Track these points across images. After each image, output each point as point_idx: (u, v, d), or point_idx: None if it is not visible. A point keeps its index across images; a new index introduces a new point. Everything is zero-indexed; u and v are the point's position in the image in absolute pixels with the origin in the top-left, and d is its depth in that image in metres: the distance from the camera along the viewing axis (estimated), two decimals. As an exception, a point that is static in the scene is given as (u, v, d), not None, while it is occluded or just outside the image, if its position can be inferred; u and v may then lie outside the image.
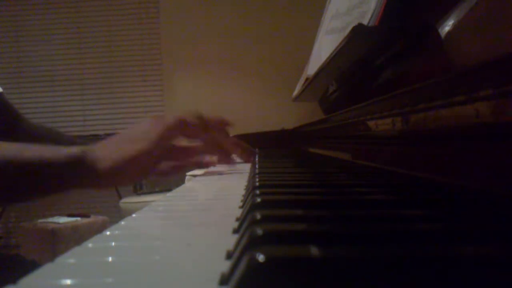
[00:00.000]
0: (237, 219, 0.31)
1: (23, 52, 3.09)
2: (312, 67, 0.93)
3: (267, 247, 0.17)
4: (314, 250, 0.17)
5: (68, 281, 0.18)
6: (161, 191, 2.53)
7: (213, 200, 0.46)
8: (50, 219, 2.35)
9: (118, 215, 2.49)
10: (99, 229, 2.08)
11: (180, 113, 0.63)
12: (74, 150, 0.55)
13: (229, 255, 0.22)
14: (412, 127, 0.40)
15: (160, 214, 0.38)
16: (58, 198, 2.94)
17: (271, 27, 2.98)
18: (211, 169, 0.80)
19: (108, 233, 0.28)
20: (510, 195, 0.26)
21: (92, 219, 2.38)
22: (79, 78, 3.09)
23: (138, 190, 2.84)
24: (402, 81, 0.50)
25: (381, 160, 0.54)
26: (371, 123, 0.53)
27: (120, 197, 2.67)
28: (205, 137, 0.66)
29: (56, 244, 2.16)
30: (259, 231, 0.20)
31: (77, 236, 2.21)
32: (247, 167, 0.82)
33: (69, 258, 0.22)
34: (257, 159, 0.85)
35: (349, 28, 0.51)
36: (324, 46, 0.84)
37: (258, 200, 0.30)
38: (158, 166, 0.63)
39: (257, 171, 0.56)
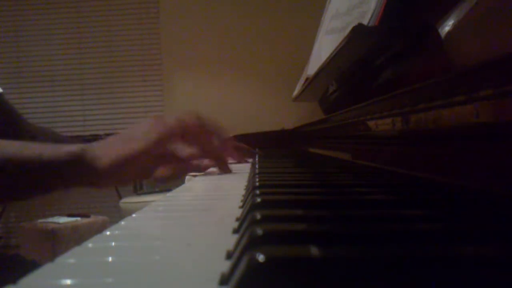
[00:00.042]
0: (237, 219, 0.31)
1: (23, 52, 3.09)
2: (312, 67, 0.93)
3: (267, 247, 0.17)
4: (314, 250, 0.17)
5: (68, 281, 0.18)
6: (161, 191, 2.53)
7: (213, 200, 0.46)
8: (50, 219, 2.35)
9: (118, 215, 2.49)
10: (99, 229, 2.08)
11: (180, 114, 0.62)
12: (73, 148, 0.55)
13: (229, 255, 0.22)
14: (412, 127, 0.40)
15: (160, 214, 0.38)
16: (58, 198, 2.94)
17: (271, 27, 2.99)
18: (211, 169, 0.80)
19: (108, 233, 0.28)
20: (510, 195, 0.26)
21: (92, 219, 2.38)
22: (79, 78, 3.09)
23: (138, 190, 2.84)
24: (402, 81, 0.50)
25: (381, 160, 0.54)
26: (371, 123, 0.53)
27: (120, 197, 2.67)
28: (204, 142, 0.66)
29: (56, 244, 2.16)
30: (259, 231, 0.20)
31: (77, 236, 2.21)
32: (247, 167, 0.82)
33: (69, 258, 0.22)
34: (257, 159, 0.85)
35: (349, 28, 0.51)
36: (324, 46, 0.84)
37: (258, 200, 0.30)
38: (157, 169, 0.63)
39: (257, 171, 0.56)
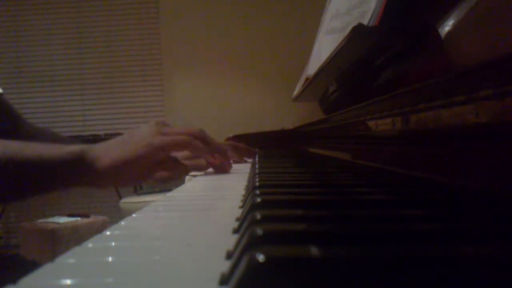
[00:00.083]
0: (237, 219, 0.31)
1: (23, 52, 3.09)
2: (312, 67, 0.93)
3: (267, 247, 0.17)
4: (314, 250, 0.16)
5: (68, 281, 0.18)
6: (161, 191, 2.53)
7: (213, 200, 0.46)
8: (50, 219, 2.35)
9: (118, 215, 2.49)
10: (99, 229, 2.08)
11: (183, 126, 0.63)
12: (74, 148, 0.56)
13: (229, 255, 0.22)
14: (412, 127, 0.40)
15: (160, 214, 0.38)
16: (58, 198, 2.94)
17: (271, 27, 2.99)
18: (211, 169, 0.80)
19: (108, 233, 0.28)
20: (510, 195, 0.26)
21: (92, 219, 2.38)
22: (79, 78, 3.09)
23: (138, 190, 2.84)
24: (402, 81, 0.50)
25: (381, 160, 0.54)
26: (371, 123, 0.53)
27: (120, 197, 2.67)
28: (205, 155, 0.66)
29: (56, 244, 2.16)
30: (259, 231, 0.20)
31: (77, 236, 2.21)
32: (247, 167, 0.82)
33: (69, 258, 0.22)
34: (257, 159, 0.85)
35: (349, 28, 0.51)
36: (324, 46, 0.84)
37: (258, 200, 0.30)
38: (156, 172, 0.63)
39: (257, 171, 0.56)
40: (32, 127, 0.96)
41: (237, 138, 1.33)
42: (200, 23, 3.02)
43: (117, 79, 3.09)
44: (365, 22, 0.54)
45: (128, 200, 2.49)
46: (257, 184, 0.41)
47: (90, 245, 0.25)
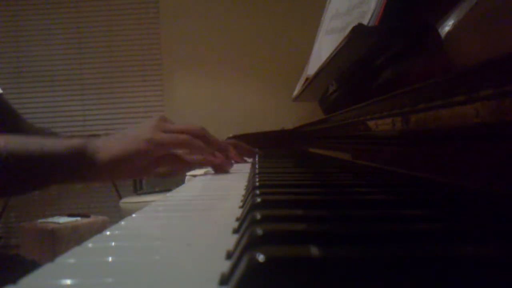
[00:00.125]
0: (237, 219, 0.31)
1: (23, 52, 3.09)
2: (312, 67, 0.93)
3: (267, 247, 0.17)
4: (314, 250, 0.16)
5: (68, 281, 0.18)
6: (161, 191, 2.53)
7: (213, 200, 0.46)
8: (50, 219, 2.35)
9: (118, 215, 2.49)
10: (99, 229, 2.08)
11: (185, 123, 0.63)
12: (75, 141, 0.56)
13: (229, 255, 0.22)
14: (412, 127, 0.40)
15: (160, 214, 0.38)
16: (58, 198, 2.94)
17: (271, 27, 2.99)
18: (211, 169, 0.80)
19: (108, 233, 0.28)
20: (510, 195, 0.26)
21: (92, 219, 2.38)
22: (79, 78, 3.09)
23: (138, 190, 2.84)
24: (402, 81, 0.50)
25: (381, 160, 0.54)
26: (371, 123, 0.53)
27: (120, 197, 2.67)
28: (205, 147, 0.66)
29: (56, 244, 2.16)
30: (259, 231, 0.20)
31: (77, 236, 2.21)
32: (247, 167, 0.82)
33: (69, 258, 0.22)
34: (257, 159, 0.85)
35: (349, 28, 0.51)
36: (324, 46, 0.84)
37: (258, 200, 0.30)
38: (157, 167, 0.64)
39: (257, 171, 0.56)
40: (32, 127, 0.96)
41: (237, 138, 1.33)
42: (200, 23, 3.02)
43: (117, 79, 3.09)
44: (365, 22, 0.54)
45: (128, 200, 2.49)
46: (257, 184, 0.41)
47: (90, 245, 0.25)
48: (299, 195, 0.36)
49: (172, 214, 0.37)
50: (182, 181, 0.95)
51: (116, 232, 0.29)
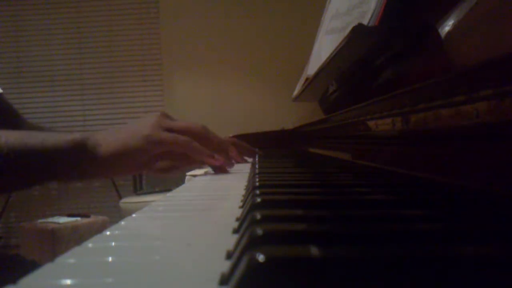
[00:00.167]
0: (237, 219, 0.31)
1: (23, 52, 3.09)
2: (312, 67, 0.93)
3: (267, 247, 0.17)
4: (314, 250, 0.16)
5: (68, 281, 0.18)
6: (161, 191, 2.53)
7: (213, 200, 0.46)
8: (50, 219, 2.35)
9: (118, 215, 2.49)
10: (99, 229, 2.08)
11: (187, 123, 0.63)
12: (75, 135, 0.56)
13: (229, 255, 0.22)
14: (412, 127, 0.40)
15: (160, 214, 0.38)
16: (58, 198, 2.94)
17: (271, 27, 2.99)
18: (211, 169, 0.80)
19: (108, 233, 0.28)
20: (510, 195, 0.26)
21: (92, 219, 2.38)
22: (79, 78, 3.10)
23: (138, 190, 2.84)
24: (402, 81, 0.50)
25: (381, 160, 0.54)
26: (371, 123, 0.53)
27: (120, 197, 2.67)
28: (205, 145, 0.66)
29: (56, 244, 2.16)
30: (259, 231, 0.20)
31: (77, 236, 2.21)
32: (247, 167, 0.82)
33: (69, 258, 0.22)
34: (257, 159, 0.85)
35: (349, 28, 0.51)
36: (324, 46, 0.84)
37: (258, 200, 0.30)
38: (156, 162, 0.64)
39: (257, 171, 0.56)
40: (32, 126, 0.96)
41: (237, 138, 1.33)
42: (200, 23, 3.02)
43: (117, 79, 3.09)
44: (365, 22, 0.54)
45: (128, 200, 2.49)
46: (257, 184, 0.41)
47: (90, 245, 0.25)
48: (299, 195, 0.36)
49: (172, 214, 0.37)
50: (182, 181, 0.95)
51: (116, 232, 0.29)
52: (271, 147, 1.44)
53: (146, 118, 0.61)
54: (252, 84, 3.01)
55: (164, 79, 3.07)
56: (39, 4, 3.08)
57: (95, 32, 3.10)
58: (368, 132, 0.55)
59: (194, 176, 0.82)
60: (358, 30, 0.50)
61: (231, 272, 0.18)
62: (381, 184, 0.43)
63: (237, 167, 0.81)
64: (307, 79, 0.95)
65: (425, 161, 0.41)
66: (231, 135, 1.40)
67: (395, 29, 0.51)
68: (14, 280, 0.18)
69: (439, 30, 0.40)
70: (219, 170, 0.75)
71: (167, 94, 3.07)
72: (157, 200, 0.45)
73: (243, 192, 0.47)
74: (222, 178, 0.70)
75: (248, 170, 0.73)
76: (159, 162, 0.65)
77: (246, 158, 0.94)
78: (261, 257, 0.16)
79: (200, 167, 0.79)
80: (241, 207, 0.37)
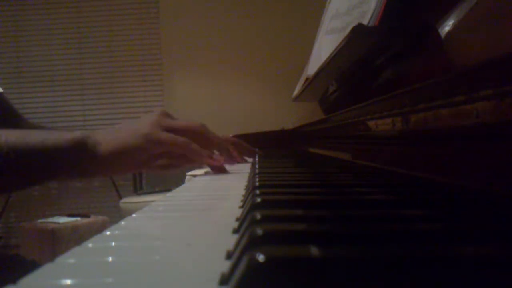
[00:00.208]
0: (237, 219, 0.31)
1: (23, 52, 3.09)
2: (312, 67, 0.93)
3: (267, 247, 0.17)
4: (314, 250, 0.16)
5: (68, 281, 0.18)
6: (161, 191, 2.53)
7: (213, 200, 0.46)
8: (50, 219, 2.35)
9: (118, 215, 2.49)
10: (99, 229, 2.08)
11: (187, 122, 0.63)
12: (75, 134, 0.56)
13: (229, 255, 0.22)
14: (412, 127, 0.40)
15: (160, 214, 0.38)
16: (58, 198, 2.94)
17: (271, 27, 2.99)
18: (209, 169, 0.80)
19: (108, 233, 0.28)
20: (510, 195, 0.26)
21: (92, 219, 2.38)
22: (79, 78, 3.09)
23: (138, 190, 2.84)
24: (402, 81, 0.50)
25: (381, 160, 0.54)
26: (371, 123, 0.53)
27: (120, 197, 2.67)
28: (204, 144, 0.66)
29: (56, 244, 2.16)
30: (259, 231, 0.20)
31: (77, 236, 2.21)
32: (247, 167, 0.82)
33: (69, 258, 0.22)
34: (257, 159, 0.84)
35: (349, 28, 0.51)
36: (324, 46, 0.84)
37: (258, 200, 0.30)
38: (156, 160, 0.64)
39: (257, 171, 0.56)
40: (32, 125, 0.96)
41: (237, 138, 1.33)
42: (200, 23, 3.02)
43: (117, 79, 3.09)
44: (365, 22, 0.54)
45: (128, 200, 2.49)
46: (257, 184, 0.41)
47: (90, 245, 0.25)
48: (299, 195, 0.36)
49: (172, 214, 0.37)
50: (182, 181, 0.95)
51: (116, 232, 0.29)
52: (271, 147, 1.44)
53: (146, 117, 0.61)
54: (252, 84, 3.01)
55: (164, 79, 3.07)
56: (39, 4, 3.08)
57: (95, 32, 3.10)
58: (368, 132, 0.55)
59: (194, 176, 0.82)
60: (358, 30, 0.50)
61: (231, 272, 0.18)
62: (381, 184, 0.43)
63: (237, 167, 0.81)
64: (307, 79, 0.95)
65: (425, 161, 0.41)
66: (230, 135, 1.40)
67: (395, 29, 0.51)
68: (14, 280, 0.18)
69: (439, 30, 0.40)
70: (217, 170, 0.75)
71: (167, 94, 3.07)
72: (157, 200, 0.45)
73: (243, 192, 0.47)
74: (222, 178, 0.70)
75: (248, 170, 0.73)
76: (159, 160, 0.65)
77: (246, 158, 0.94)
78: (261, 257, 0.16)
79: (200, 167, 0.79)
80: (241, 207, 0.37)
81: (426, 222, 0.25)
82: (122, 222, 0.32)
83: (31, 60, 3.09)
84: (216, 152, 0.75)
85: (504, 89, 0.25)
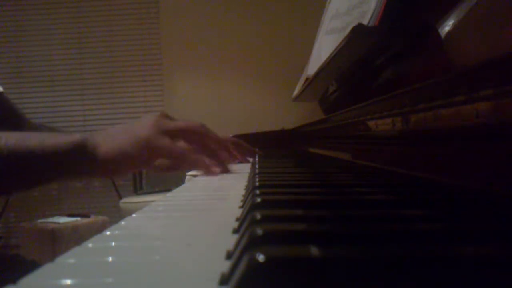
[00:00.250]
0: (237, 219, 0.31)
1: (23, 52, 3.09)
2: (312, 67, 0.93)
3: (267, 247, 0.17)
4: (314, 250, 0.16)
5: (68, 281, 0.18)
6: (161, 191, 2.53)
7: (213, 200, 0.46)
8: (50, 219, 2.35)
9: (118, 215, 2.49)
10: (99, 229, 2.08)
11: (187, 123, 0.63)
12: (75, 136, 0.56)
13: (229, 255, 0.22)
14: (412, 127, 0.40)
15: (160, 214, 0.38)
16: (58, 198, 2.94)
17: (271, 27, 2.99)
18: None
19: (108, 233, 0.28)
20: (510, 195, 0.26)
21: (92, 219, 2.39)
22: (79, 78, 3.09)
23: (138, 190, 2.84)
24: (402, 81, 0.50)
25: (381, 160, 0.54)
26: (371, 123, 0.53)
27: (120, 197, 2.67)
28: (204, 144, 0.66)
29: (56, 244, 2.16)
30: (259, 231, 0.20)
31: (77, 236, 2.21)
32: (247, 167, 0.82)
33: (69, 258, 0.22)
34: (257, 159, 0.84)
35: (349, 28, 0.51)
36: (324, 46, 0.84)
37: (258, 200, 0.30)
38: (156, 160, 0.64)
39: (257, 171, 0.56)
40: (33, 124, 0.96)
41: (237, 138, 1.33)
42: (200, 23, 3.02)
43: (117, 79, 3.09)
44: (365, 22, 0.54)
45: (128, 200, 2.49)
46: (257, 184, 0.41)
47: (90, 245, 0.25)
48: (299, 195, 0.36)
49: (172, 214, 0.37)
50: (182, 181, 0.95)
51: (116, 232, 0.29)
52: (271, 147, 1.44)
53: (146, 118, 0.61)
54: (252, 84, 3.01)
55: (164, 79, 3.07)
56: (39, 4, 3.08)
57: (95, 32, 3.10)
58: (368, 132, 0.55)
59: (194, 176, 0.82)
60: (358, 30, 0.50)
61: (231, 272, 0.18)
62: (381, 184, 0.43)
63: (237, 167, 0.81)
64: (307, 79, 0.95)
65: (425, 161, 0.41)
66: (230, 135, 1.40)
67: (395, 29, 0.51)
68: (14, 280, 0.18)
69: (439, 30, 0.40)
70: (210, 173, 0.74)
71: (167, 94, 3.07)
72: (157, 200, 0.45)
73: (243, 192, 0.47)
74: (222, 178, 0.70)
75: (248, 170, 0.73)
76: (159, 160, 0.65)
77: (246, 158, 0.94)
78: (261, 257, 0.16)
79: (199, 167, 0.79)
80: (241, 207, 0.37)
81: (426, 222, 0.25)
82: (122, 222, 0.32)
83: (31, 60, 3.09)
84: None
85: (504, 89, 0.25)
